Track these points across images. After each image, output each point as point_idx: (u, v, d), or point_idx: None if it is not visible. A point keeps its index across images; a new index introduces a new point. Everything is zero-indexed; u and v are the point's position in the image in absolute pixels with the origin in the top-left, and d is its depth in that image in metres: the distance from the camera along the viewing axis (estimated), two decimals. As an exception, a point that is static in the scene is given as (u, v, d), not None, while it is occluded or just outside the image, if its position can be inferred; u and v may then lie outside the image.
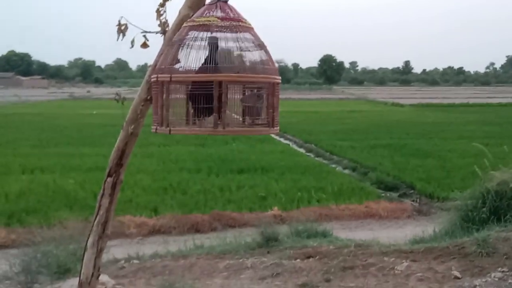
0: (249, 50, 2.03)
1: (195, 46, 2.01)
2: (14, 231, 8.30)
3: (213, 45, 1.97)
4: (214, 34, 1.99)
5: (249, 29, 2.06)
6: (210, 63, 1.94)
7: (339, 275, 4.95)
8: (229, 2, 2.08)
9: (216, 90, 1.89)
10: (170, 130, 1.99)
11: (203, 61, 1.97)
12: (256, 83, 2.03)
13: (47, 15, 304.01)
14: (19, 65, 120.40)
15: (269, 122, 2.01)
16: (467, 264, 4.95)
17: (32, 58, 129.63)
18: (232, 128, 1.98)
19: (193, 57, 2.00)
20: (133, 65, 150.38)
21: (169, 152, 16.34)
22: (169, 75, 1.97)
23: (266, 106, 2.02)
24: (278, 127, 2.08)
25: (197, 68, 1.98)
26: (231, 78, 1.93)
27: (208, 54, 1.96)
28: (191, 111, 2.02)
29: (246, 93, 2.05)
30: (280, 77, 2.07)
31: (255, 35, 2.06)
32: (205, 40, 2.00)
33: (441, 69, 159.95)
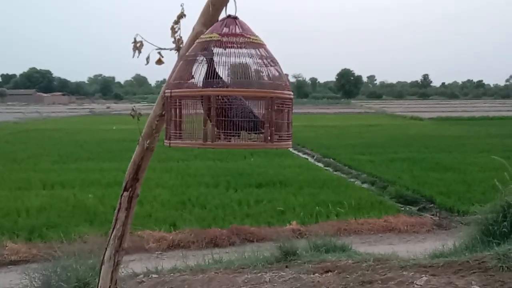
0: (248, 65, 2.05)
1: (203, 62, 2.06)
2: (35, 246, 8.37)
3: (209, 60, 2.03)
4: (214, 50, 2.04)
5: (254, 44, 2.08)
6: (208, 78, 2.00)
7: (358, 289, 4.90)
8: (240, 19, 2.11)
9: (205, 104, 1.94)
10: (170, 143, 2.11)
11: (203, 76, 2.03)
12: (256, 98, 2.06)
13: (68, 33, 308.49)
14: (40, 82, 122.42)
15: (265, 137, 2.01)
16: (488, 279, 4.88)
17: (53, 75, 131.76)
18: (221, 142, 2.01)
19: (201, 73, 2.05)
20: (152, 81, 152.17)
21: (188, 166, 16.41)
22: (170, 91, 2.06)
23: (269, 121, 2.01)
24: (282, 143, 2.08)
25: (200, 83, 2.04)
26: (218, 92, 1.98)
27: (207, 69, 2.02)
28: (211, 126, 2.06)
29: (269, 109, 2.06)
30: (283, 92, 2.06)
31: (261, 51, 2.08)
32: (202, 55, 2.06)
33: (460, 82, 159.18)
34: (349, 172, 16.01)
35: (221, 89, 1.99)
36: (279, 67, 2.10)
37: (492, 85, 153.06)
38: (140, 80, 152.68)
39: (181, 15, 2.39)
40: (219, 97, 1.96)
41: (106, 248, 2.58)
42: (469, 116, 47.06)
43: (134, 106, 2.54)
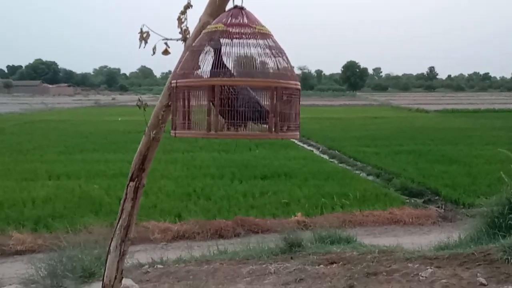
0: (254, 56, 2.03)
1: (209, 52, 2.05)
2: (41, 236, 8.41)
3: (216, 50, 2.01)
4: (221, 40, 2.02)
5: (261, 34, 2.05)
6: (214, 68, 1.98)
7: (363, 281, 4.91)
8: (246, 9, 2.09)
9: (209, 94, 1.93)
10: (175, 133, 2.09)
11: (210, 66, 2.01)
12: (261, 88, 2.03)
13: (73, 24, 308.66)
14: (46, 73, 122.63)
15: (270, 127, 2.00)
16: (493, 271, 4.88)
17: (59, 66, 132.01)
18: (225, 132, 1.99)
19: (207, 63, 2.03)
20: (157, 73, 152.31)
21: (193, 158, 16.43)
22: (176, 81, 2.04)
23: (273, 111, 1.99)
24: (288, 133, 2.06)
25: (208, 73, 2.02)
26: (222, 82, 1.95)
27: (214, 59, 2.00)
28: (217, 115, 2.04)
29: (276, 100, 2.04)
30: (288, 82, 2.03)
31: (267, 41, 2.06)
32: (208, 45, 2.04)
33: (466, 75, 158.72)
34: (354, 164, 16.00)
35: (224, 78, 1.97)
36: (286, 57, 2.08)
37: (498, 78, 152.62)
38: (145, 72, 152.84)
39: (188, 6, 2.38)
40: (225, 87, 1.95)
41: (112, 238, 2.59)
42: (474, 108, 46.91)
43: (140, 97, 2.54)
